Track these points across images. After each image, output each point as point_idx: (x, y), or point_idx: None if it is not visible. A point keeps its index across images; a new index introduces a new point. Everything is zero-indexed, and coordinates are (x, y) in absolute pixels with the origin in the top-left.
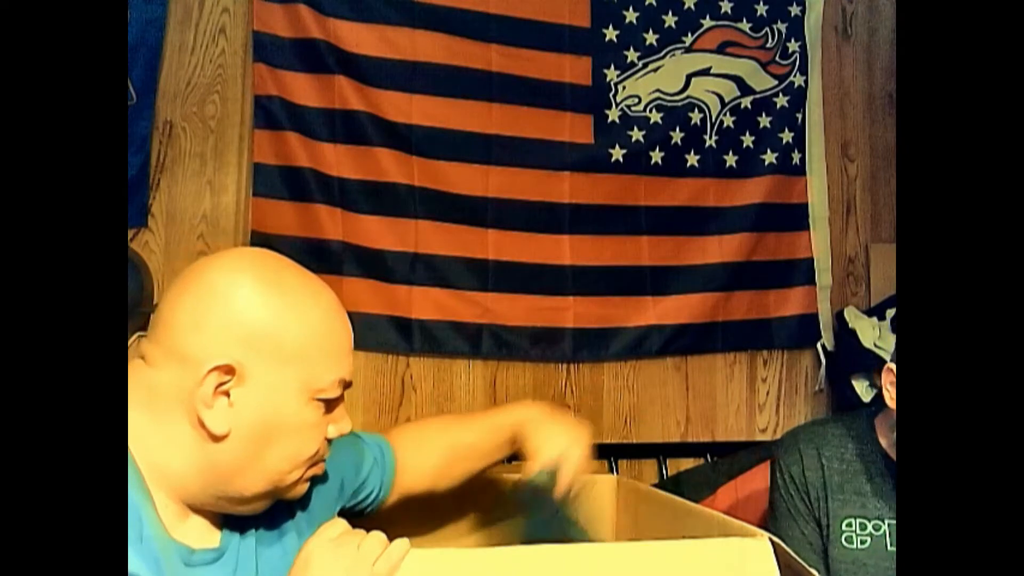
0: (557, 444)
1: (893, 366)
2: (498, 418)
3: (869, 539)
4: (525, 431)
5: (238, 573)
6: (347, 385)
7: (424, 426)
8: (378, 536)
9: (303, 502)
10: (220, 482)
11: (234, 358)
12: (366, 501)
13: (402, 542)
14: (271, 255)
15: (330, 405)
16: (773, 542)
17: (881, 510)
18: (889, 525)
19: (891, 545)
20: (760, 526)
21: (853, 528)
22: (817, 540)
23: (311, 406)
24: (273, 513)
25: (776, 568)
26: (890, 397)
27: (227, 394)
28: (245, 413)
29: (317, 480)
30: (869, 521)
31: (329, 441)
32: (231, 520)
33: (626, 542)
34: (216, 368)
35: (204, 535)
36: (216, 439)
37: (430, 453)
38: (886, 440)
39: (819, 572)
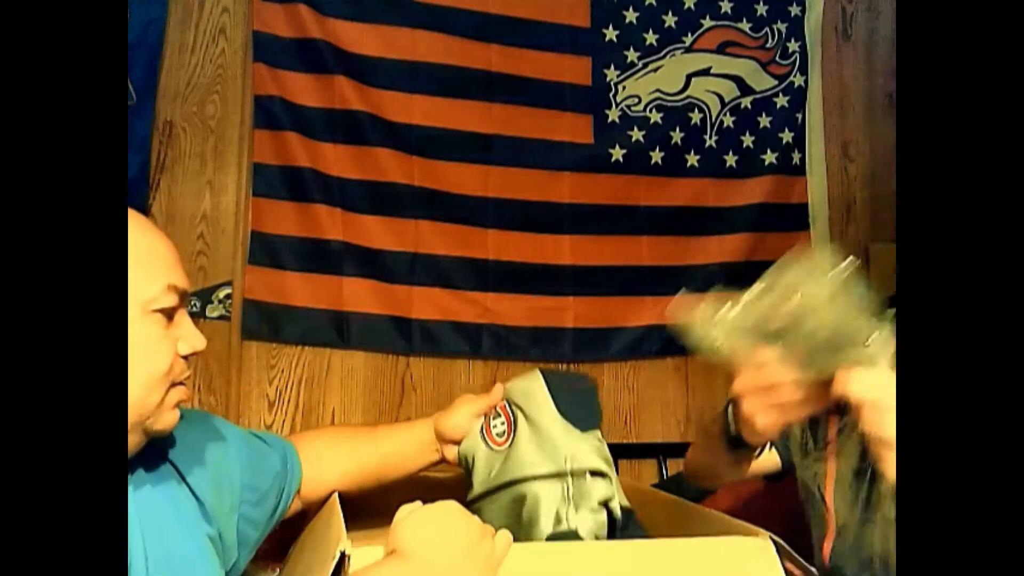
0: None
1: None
2: (410, 425)
3: None
4: (437, 421)
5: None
6: (182, 293)
7: (336, 434)
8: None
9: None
10: None
11: None
12: (270, 508)
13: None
14: None
15: (171, 318)
16: (775, 540)
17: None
18: None
19: None
20: (760, 526)
21: None
22: None
23: (149, 319)
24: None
25: (779, 566)
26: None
27: None
28: None
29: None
30: None
31: (186, 358)
32: None
33: (629, 541)
34: None
35: None
36: None
37: (337, 463)
38: None
39: None
